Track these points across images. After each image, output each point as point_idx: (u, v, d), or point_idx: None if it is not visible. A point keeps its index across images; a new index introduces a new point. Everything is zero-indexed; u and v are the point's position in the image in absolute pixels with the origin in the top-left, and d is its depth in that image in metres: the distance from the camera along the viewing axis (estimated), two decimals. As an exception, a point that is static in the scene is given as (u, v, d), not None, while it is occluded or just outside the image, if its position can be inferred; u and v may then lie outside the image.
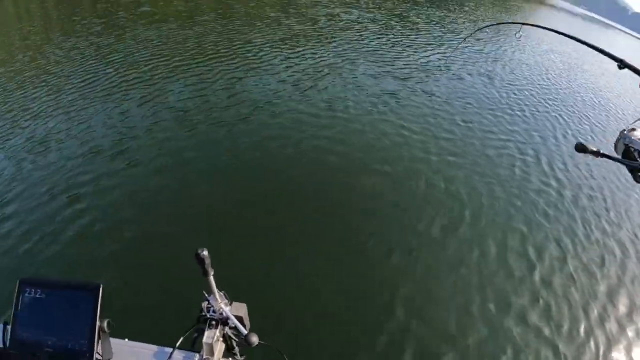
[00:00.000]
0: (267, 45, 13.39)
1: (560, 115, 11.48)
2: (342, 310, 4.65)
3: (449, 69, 13.45)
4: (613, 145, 1.46)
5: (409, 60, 13.59)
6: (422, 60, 13.81)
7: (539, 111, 11.37)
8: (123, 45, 13.04)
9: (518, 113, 10.84)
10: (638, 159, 1.33)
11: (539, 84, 14.16)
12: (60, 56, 12.49)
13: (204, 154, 7.24)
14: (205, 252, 1.66)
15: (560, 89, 14.43)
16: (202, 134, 7.87)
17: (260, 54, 12.48)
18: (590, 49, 1.71)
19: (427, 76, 12.49)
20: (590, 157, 1.34)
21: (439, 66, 13.59)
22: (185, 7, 19.82)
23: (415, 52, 14.72)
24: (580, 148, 1.34)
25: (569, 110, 12.13)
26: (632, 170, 1.34)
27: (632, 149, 1.36)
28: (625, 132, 1.40)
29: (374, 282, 5.01)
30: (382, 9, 22.10)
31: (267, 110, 8.94)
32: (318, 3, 21.23)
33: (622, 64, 1.41)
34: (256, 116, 8.64)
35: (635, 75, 1.34)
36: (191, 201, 6.08)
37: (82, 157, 6.90)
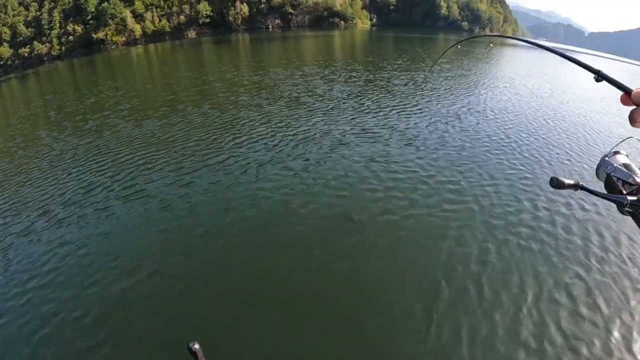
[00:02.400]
0: (257, 131, 13.61)
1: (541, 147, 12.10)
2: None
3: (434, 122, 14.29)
4: (595, 172, 1.28)
5: (397, 124, 14.12)
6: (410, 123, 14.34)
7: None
8: (114, 144, 13.77)
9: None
10: (623, 191, 1.14)
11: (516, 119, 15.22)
12: (52, 157, 13.15)
13: (198, 249, 7.21)
14: (197, 345, 1.72)
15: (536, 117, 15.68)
16: (188, 230, 7.80)
17: (248, 142, 12.53)
18: (570, 62, 1.55)
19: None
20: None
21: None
22: (170, 100, 20.83)
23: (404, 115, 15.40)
24: (556, 184, 1.15)
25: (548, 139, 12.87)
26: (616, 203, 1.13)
27: (615, 179, 1.18)
28: (607, 157, 1.23)
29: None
30: (362, 80, 22.99)
31: (265, 200, 8.82)
32: (297, 85, 21.89)
33: (599, 76, 1.20)
34: (251, 208, 8.52)
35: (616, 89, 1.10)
36: (183, 295, 6.03)
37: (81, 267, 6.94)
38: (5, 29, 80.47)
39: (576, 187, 1.14)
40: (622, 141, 1.26)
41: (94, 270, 6.77)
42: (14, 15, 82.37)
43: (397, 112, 15.64)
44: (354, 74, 25.22)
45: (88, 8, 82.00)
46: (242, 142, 12.66)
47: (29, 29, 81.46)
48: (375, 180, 9.41)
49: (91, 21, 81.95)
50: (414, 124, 14.10)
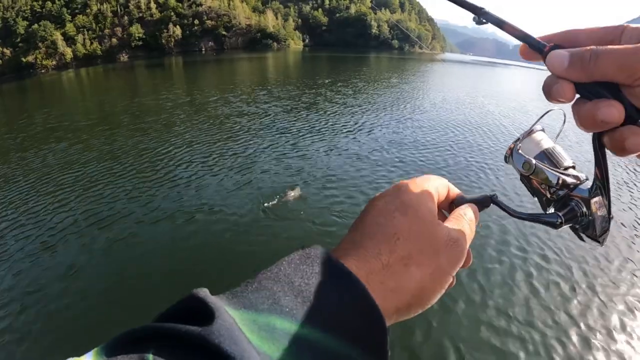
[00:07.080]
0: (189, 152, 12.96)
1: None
2: None
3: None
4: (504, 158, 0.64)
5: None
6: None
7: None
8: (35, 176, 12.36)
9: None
10: (547, 195, 0.59)
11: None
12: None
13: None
14: None
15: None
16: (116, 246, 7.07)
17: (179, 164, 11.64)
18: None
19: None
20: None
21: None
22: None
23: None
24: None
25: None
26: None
27: (538, 182, 0.59)
28: (519, 149, 0.60)
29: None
30: (291, 99, 23.13)
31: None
32: (237, 111, 20.40)
33: (480, 16, 0.54)
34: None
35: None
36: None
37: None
38: None
39: (487, 202, 0.62)
40: (541, 117, 0.63)
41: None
42: (-64, 36, 78.92)
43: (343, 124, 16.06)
44: (292, 93, 25.32)
45: (18, 30, 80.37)
46: (178, 170, 11.34)
47: (-47, 51, 78.35)
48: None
49: (20, 44, 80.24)
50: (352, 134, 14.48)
